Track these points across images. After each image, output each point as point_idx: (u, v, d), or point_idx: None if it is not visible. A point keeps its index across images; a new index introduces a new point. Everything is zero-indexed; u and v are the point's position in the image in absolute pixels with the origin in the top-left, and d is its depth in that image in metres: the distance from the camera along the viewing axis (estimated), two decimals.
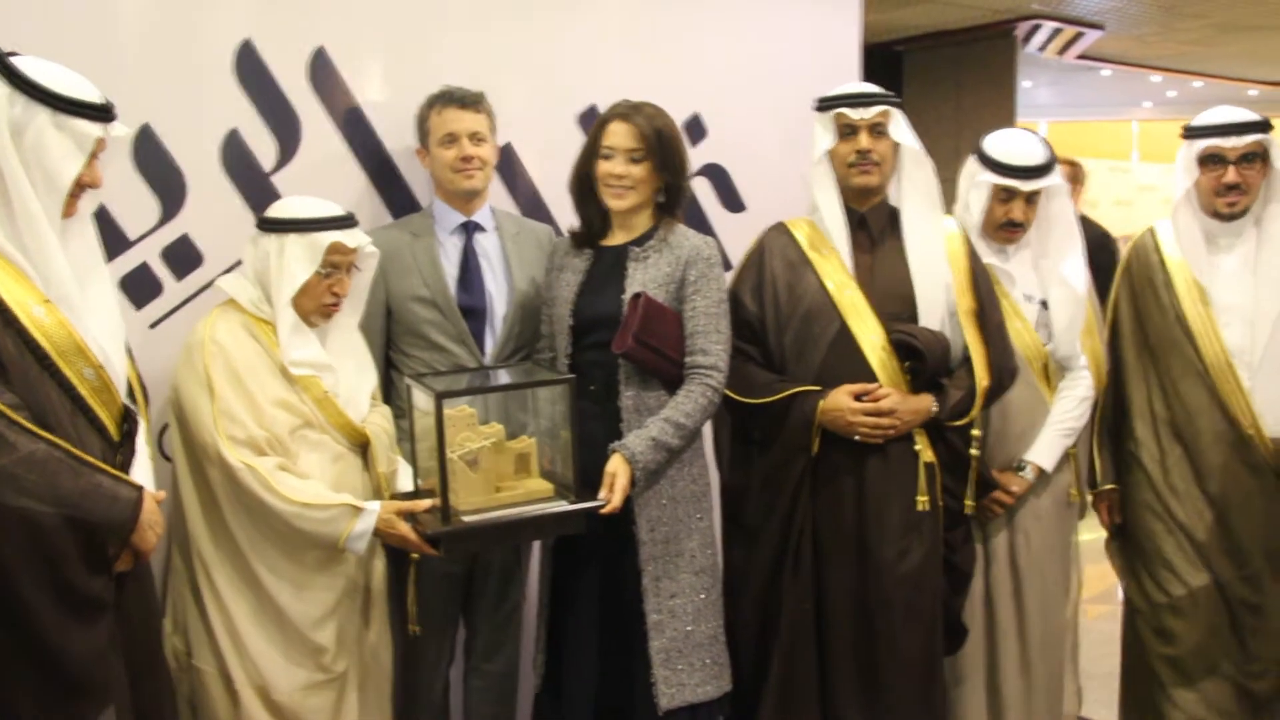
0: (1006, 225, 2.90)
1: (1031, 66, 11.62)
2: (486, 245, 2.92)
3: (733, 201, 3.63)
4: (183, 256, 2.74)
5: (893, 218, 2.82)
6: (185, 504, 2.43)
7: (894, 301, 2.73)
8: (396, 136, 2.99)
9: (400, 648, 2.73)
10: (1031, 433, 2.94)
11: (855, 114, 2.72)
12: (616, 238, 2.70)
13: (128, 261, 2.68)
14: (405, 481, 2.66)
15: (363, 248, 2.53)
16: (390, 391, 2.84)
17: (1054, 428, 2.94)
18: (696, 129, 3.52)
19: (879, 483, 2.69)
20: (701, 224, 3.51)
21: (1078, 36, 8.71)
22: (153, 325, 2.72)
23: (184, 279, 2.75)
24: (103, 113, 2.09)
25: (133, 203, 2.67)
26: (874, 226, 2.80)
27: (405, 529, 2.43)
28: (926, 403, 2.70)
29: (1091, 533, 3.24)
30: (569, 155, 2.97)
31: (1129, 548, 3.13)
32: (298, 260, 2.42)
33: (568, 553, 2.72)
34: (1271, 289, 2.90)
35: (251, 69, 2.80)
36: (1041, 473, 2.93)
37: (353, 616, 2.53)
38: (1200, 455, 2.96)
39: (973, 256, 2.82)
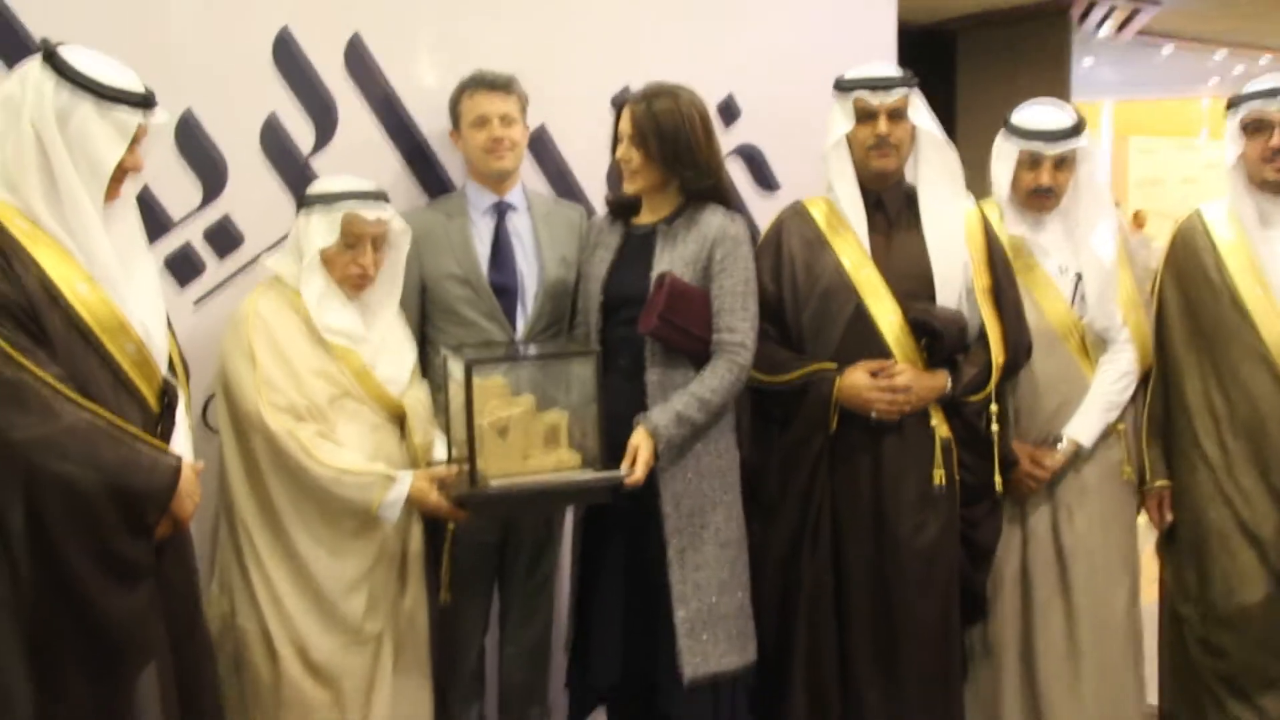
0: (1036, 192, 2.87)
1: (1092, 45, 11.49)
2: (518, 225, 2.99)
3: (767, 182, 3.66)
4: (224, 237, 2.84)
5: (909, 198, 2.84)
6: (230, 472, 2.54)
7: (910, 280, 2.75)
8: (430, 120, 3.07)
9: (436, 616, 2.81)
10: (1067, 407, 2.90)
11: (875, 98, 2.74)
12: (646, 216, 2.76)
13: (171, 242, 2.78)
14: (441, 454, 2.74)
15: (390, 224, 2.61)
16: (426, 367, 2.92)
17: (1094, 402, 2.89)
18: (730, 110, 3.55)
19: (895, 459, 2.73)
20: (738, 207, 3.53)
21: (1134, 13, 8.62)
22: (196, 303, 2.82)
23: (225, 259, 2.84)
24: (143, 101, 2.18)
25: (176, 186, 2.77)
26: (890, 207, 2.83)
27: (436, 497, 2.52)
28: (941, 379, 2.73)
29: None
30: (602, 137, 3.03)
31: (1179, 551, 2.98)
32: (317, 230, 2.54)
33: (596, 526, 2.78)
34: None
35: (289, 56, 2.89)
36: (1080, 449, 2.88)
37: (389, 582, 2.62)
38: (1266, 446, 2.80)
39: (990, 235, 2.84)
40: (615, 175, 2.84)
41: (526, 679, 3.15)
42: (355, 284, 2.59)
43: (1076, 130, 2.84)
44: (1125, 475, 2.94)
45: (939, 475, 2.72)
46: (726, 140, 3.55)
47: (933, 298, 2.76)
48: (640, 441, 2.56)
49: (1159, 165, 16.37)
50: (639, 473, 2.53)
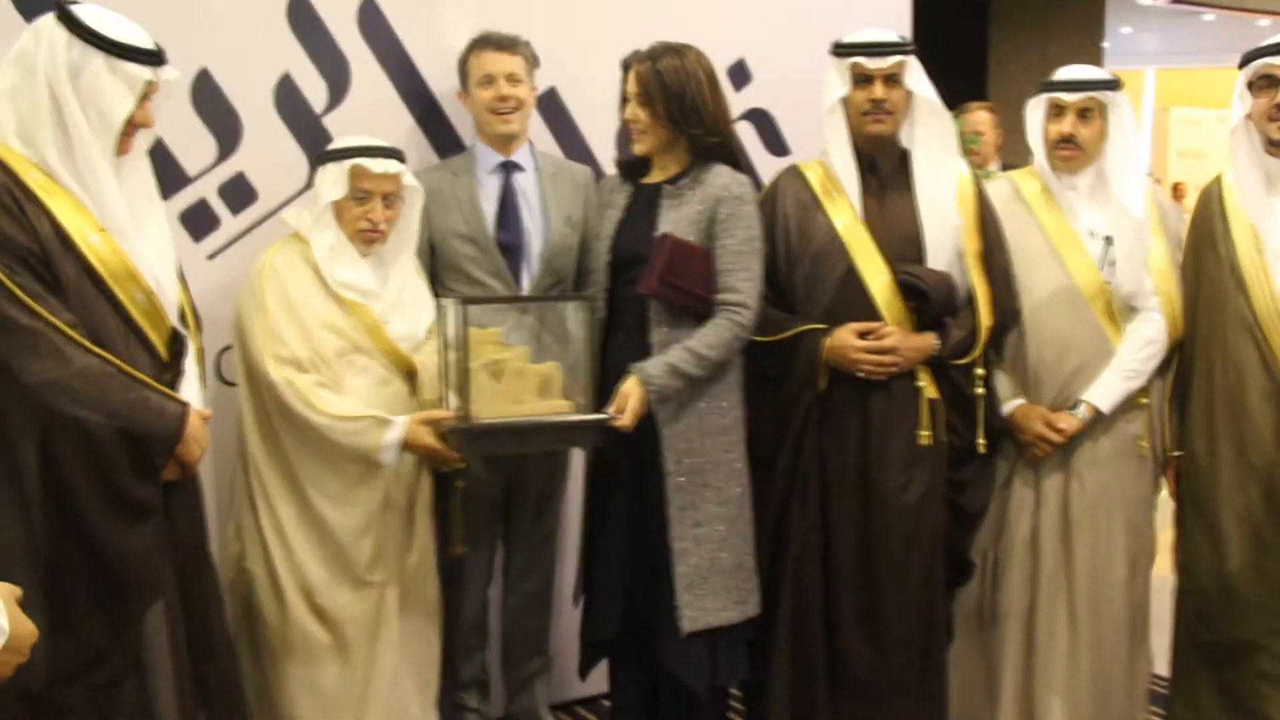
0: (1061, 144, 2.87)
1: (1131, 12, 11.33)
2: (524, 184, 3.04)
3: (777, 145, 3.69)
4: (239, 192, 2.92)
5: (903, 161, 2.87)
6: (245, 420, 2.62)
7: (901, 243, 2.79)
8: (443, 80, 3.12)
9: (444, 568, 2.89)
10: (1087, 371, 2.88)
11: (871, 63, 2.76)
12: (655, 175, 2.78)
13: (187, 197, 2.86)
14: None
15: (401, 179, 2.66)
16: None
17: (1115, 369, 2.87)
18: (740, 74, 3.58)
19: (882, 417, 2.77)
20: (746, 168, 3.57)
21: None
22: (210, 257, 2.90)
23: (240, 214, 2.92)
24: (153, 57, 2.25)
25: (192, 142, 2.85)
26: (884, 170, 2.86)
27: (431, 439, 2.58)
28: (929, 341, 2.77)
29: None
30: (613, 99, 3.06)
31: (1180, 520, 2.96)
32: (328, 184, 2.61)
33: (602, 481, 2.84)
34: None
35: (303, 15, 2.95)
36: (1099, 414, 2.86)
37: (393, 533, 2.69)
38: (1245, 418, 2.75)
39: (983, 200, 2.87)
40: (625, 137, 2.87)
41: (528, 630, 3.23)
42: (366, 238, 2.64)
43: (1103, 83, 2.86)
44: (1141, 450, 2.93)
45: (925, 435, 2.76)
46: (737, 104, 3.58)
47: (922, 260, 2.79)
48: (631, 389, 2.59)
49: (1201, 136, 16.06)
50: (625, 418, 2.57)
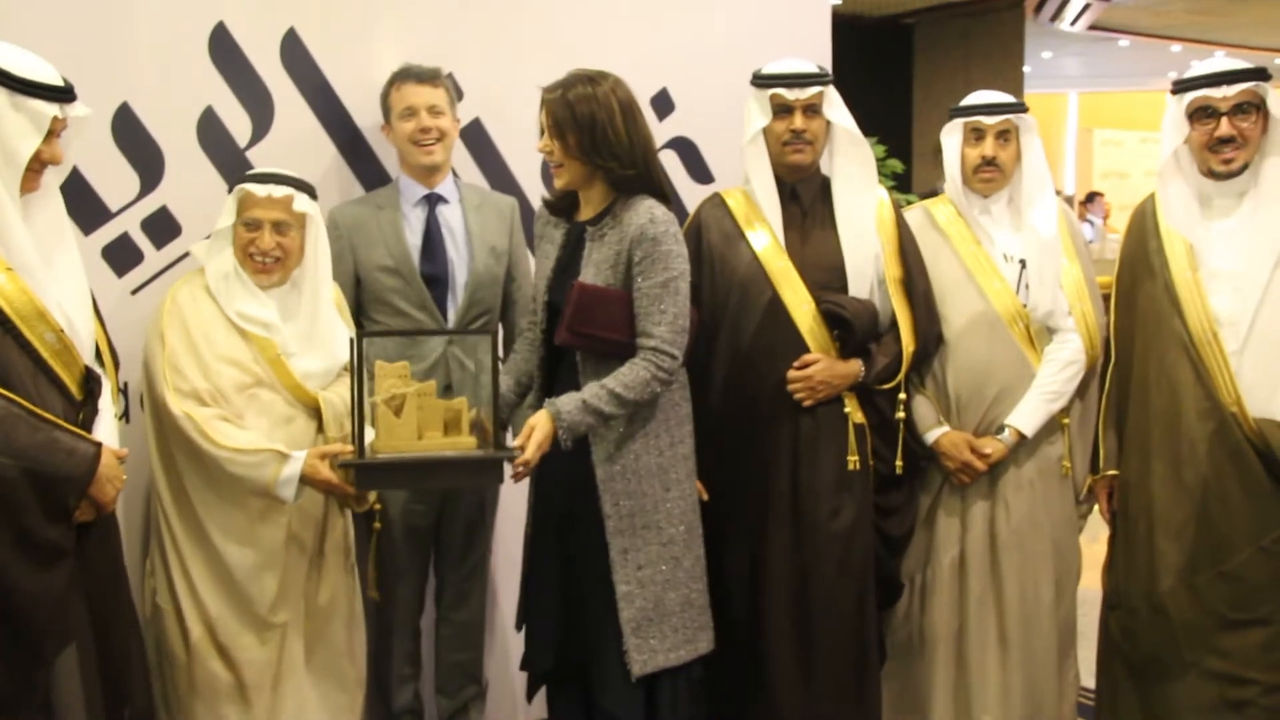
0: (982, 167, 2.93)
1: (1051, 37, 11.61)
2: (449, 216, 3.06)
3: (701, 173, 3.73)
4: (162, 227, 2.90)
5: (824, 189, 2.92)
6: (151, 455, 2.59)
7: (823, 271, 2.84)
8: (366, 112, 3.13)
9: (370, 605, 2.88)
10: (1010, 395, 2.92)
11: (791, 94, 2.81)
12: (583, 213, 2.71)
13: (109, 232, 2.84)
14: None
15: (291, 204, 2.59)
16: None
17: (1037, 392, 2.90)
18: (664, 103, 3.62)
19: (810, 443, 2.81)
20: (672, 196, 3.61)
21: (1087, 7, 8.74)
22: (134, 292, 2.88)
23: (163, 248, 2.90)
24: (61, 93, 2.21)
25: (113, 176, 2.83)
26: (805, 199, 2.90)
27: (329, 474, 2.53)
28: (854, 368, 2.82)
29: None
30: (536, 130, 3.10)
31: (1113, 538, 2.97)
32: (224, 213, 2.60)
33: (540, 516, 2.77)
34: (1263, 253, 2.69)
35: (225, 48, 2.95)
36: (1022, 438, 2.90)
37: (299, 571, 2.64)
38: (1179, 438, 2.75)
39: (902, 226, 2.93)
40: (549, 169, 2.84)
41: (461, 659, 3.22)
42: (256, 267, 2.60)
43: (1018, 105, 2.93)
44: (1064, 470, 2.97)
45: (853, 460, 2.81)
46: (661, 133, 3.62)
47: (845, 288, 2.84)
48: (538, 421, 2.49)
49: (1124, 157, 16.44)
50: (529, 451, 2.47)
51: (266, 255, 2.60)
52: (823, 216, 2.90)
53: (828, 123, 2.86)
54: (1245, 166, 2.72)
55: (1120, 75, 14.64)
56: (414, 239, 3.01)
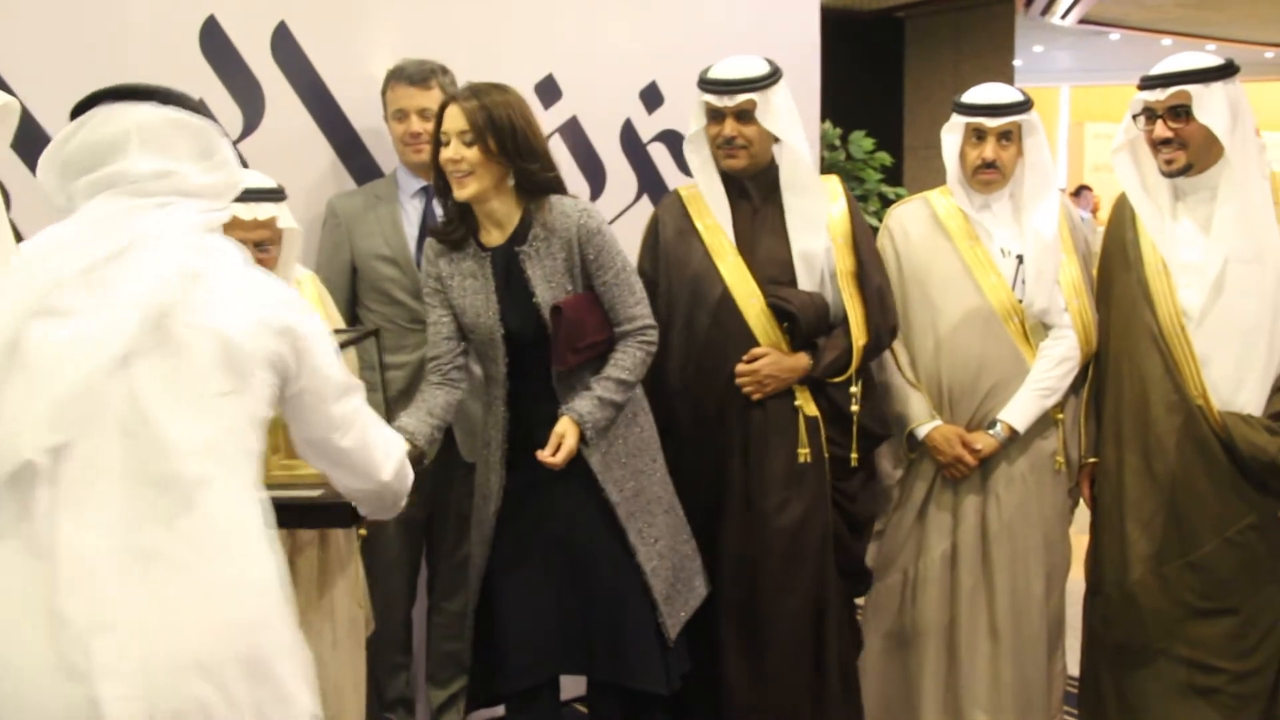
0: (982, 168, 2.90)
1: (1042, 31, 11.65)
2: None
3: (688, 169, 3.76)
4: None
5: (776, 183, 2.88)
6: None
7: (773, 266, 2.83)
8: (356, 106, 3.15)
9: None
10: (1003, 389, 2.93)
11: (719, 101, 2.78)
12: (494, 236, 2.62)
13: None
14: None
15: (275, 224, 2.49)
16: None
17: (1030, 387, 2.91)
18: (654, 96, 3.65)
19: (760, 436, 2.82)
20: (660, 187, 3.64)
21: (1077, 1, 8.77)
22: None
23: None
24: None
25: None
26: (755, 194, 2.89)
27: None
28: (802, 361, 2.82)
29: None
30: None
31: (1093, 527, 3.01)
32: None
33: (519, 528, 2.69)
34: (1219, 244, 2.73)
35: (216, 41, 2.97)
36: (1014, 434, 2.91)
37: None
38: (1150, 429, 2.80)
39: (855, 218, 2.91)
40: (440, 187, 2.62)
41: (453, 648, 3.24)
42: None
43: (1021, 106, 2.88)
44: (1058, 465, 2.98)
45: (803, 453, 2.81)
46: (650, 126, 3.67)
47: (794, 282, 2.84)
48: (565, 429, 2.55)
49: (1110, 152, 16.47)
50: (559, 458, 2.53)
51: None
52: (773, 210, 2.88)
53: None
54: (1187, 166, 2.74)
55: (1111, 69, 14.68)
56: (411, 229, 3.04)
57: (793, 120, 2.81)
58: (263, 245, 2.51)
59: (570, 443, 2.55)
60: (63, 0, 2.76)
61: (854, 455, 2.88)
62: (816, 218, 2.84)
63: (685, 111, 3.65)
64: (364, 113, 3.16)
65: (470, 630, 2.77)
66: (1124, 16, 10.12)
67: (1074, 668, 3.16)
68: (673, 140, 3.71)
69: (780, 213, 2.87)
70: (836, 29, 4.05)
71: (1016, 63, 9.83)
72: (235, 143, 2.98)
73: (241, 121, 3.02)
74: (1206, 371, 2.73)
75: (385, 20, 3.20)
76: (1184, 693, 2.80)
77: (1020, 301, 2.92)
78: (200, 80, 2.95)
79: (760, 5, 3.85)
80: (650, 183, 3.67)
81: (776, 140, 2.85)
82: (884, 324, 2.87)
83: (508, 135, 2.51)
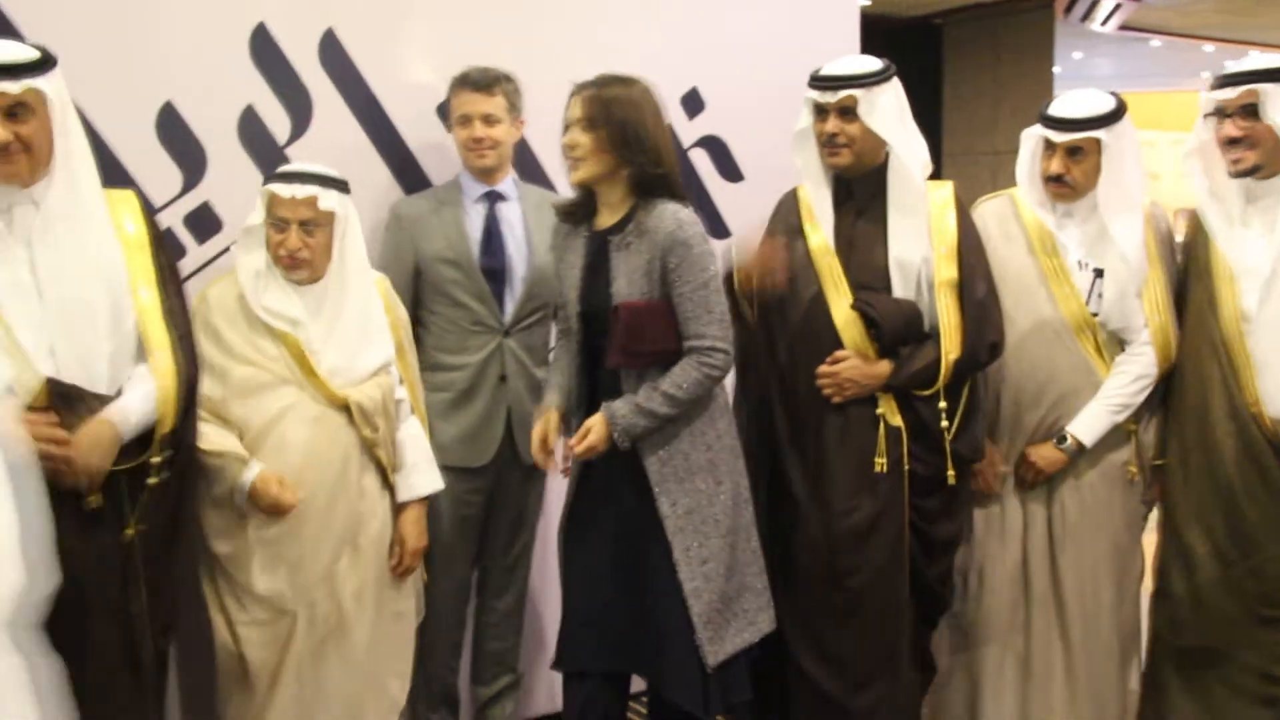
0: (1050, 181, 2.85)
1: (1081, 38, 11.58)
2: (508, 213, 3.13)
3: (731, 172, 3.78)
4: (204, 222, 2.98)
5: (882, 187, 2.84)
6: None
7: (867, 271, 2.80)
8: (403, 110, 3.21)
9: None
10: (1071, 400, 2.88)
11: (821, 97, 2.77)
12: (603, 219, 2.71)
13: None
14: (412, 449, 2.81)
15: (317, 204, 2.56)
16: (419, 350, 3.05)
17: (1101, 402, 2.86)
18: (694, 102, 3.67)
19: (838, 440, 2.80)
20: (701, 195, 3.66)
21: (1118, 7, 8.72)
22: None
23: (205, 243, 2.98)
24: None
25: (158, 173, 2.91)
26: (860, 196, 2.85)
27: (277, 490, 2.52)
28: (884, 369, 2.77)
29: None
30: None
31: (1162, 528, 2.98)
32: (255, 210, 2.62)
33: (584, 525, 2.77)
34: (1276, 247, 2.69)
35: (266, 49, 3.03)
36: (1082, 448, 2.87)
37: (318, 564, 2.61)
38: (1210, 434, 2.78)
39: (964, 229, 2.82)
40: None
41: (500, 647, 3.29)
42: (286, 265, 2.59)
43: (1094, 122, 2.79)
44: (1130, 475, 2.94)
45: (880, 463, 2.77)
46: (691, 131, 3.69)
47: (889, 289, 2.80)
48: (595, 422, 2.59)
49: (1157, 158, 16.35)
50: (580, 447, 2.58)
51: (293, 255, 2.58)
52: (876, 215, 2.83)
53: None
54: (1257, 167, 2.71)
55: (1152, 75, 14.57)
56: (474, 234, 3.09)
57: (900, 122, 2.78)
58: (307, 227, 2.57)
59: (593, 438, 2.58)
60: (117, 10, 2.83)
61: (950, 473, 2.80)
62: (917, 225, 2.78)
63: (725, 117, 3.72)
64: (409, 118, 3.21)
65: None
66: (1164, 23, 10.05)
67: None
68: (713, 146, 3.74)
69: (883, 217, 2.82)
70: (874, 35, 4.05)
71: (1056, 69, 9.78)
72: (283, 147, 3.05)
73: (290, 126, 3.07)
74: (1262, 378, 2.70)
75: (430, 26, 3.25)
76: (1252, 700, 2.77)
77: (1095, 316, 2.87)
78: (250, 86, 3.02)
79: (800, 11, 3.86)
80: (690, 189, 3.67)
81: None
82: (980, 340, 2.77)
83: (618, 127, 2.58)
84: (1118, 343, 2.90)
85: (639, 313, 2.59)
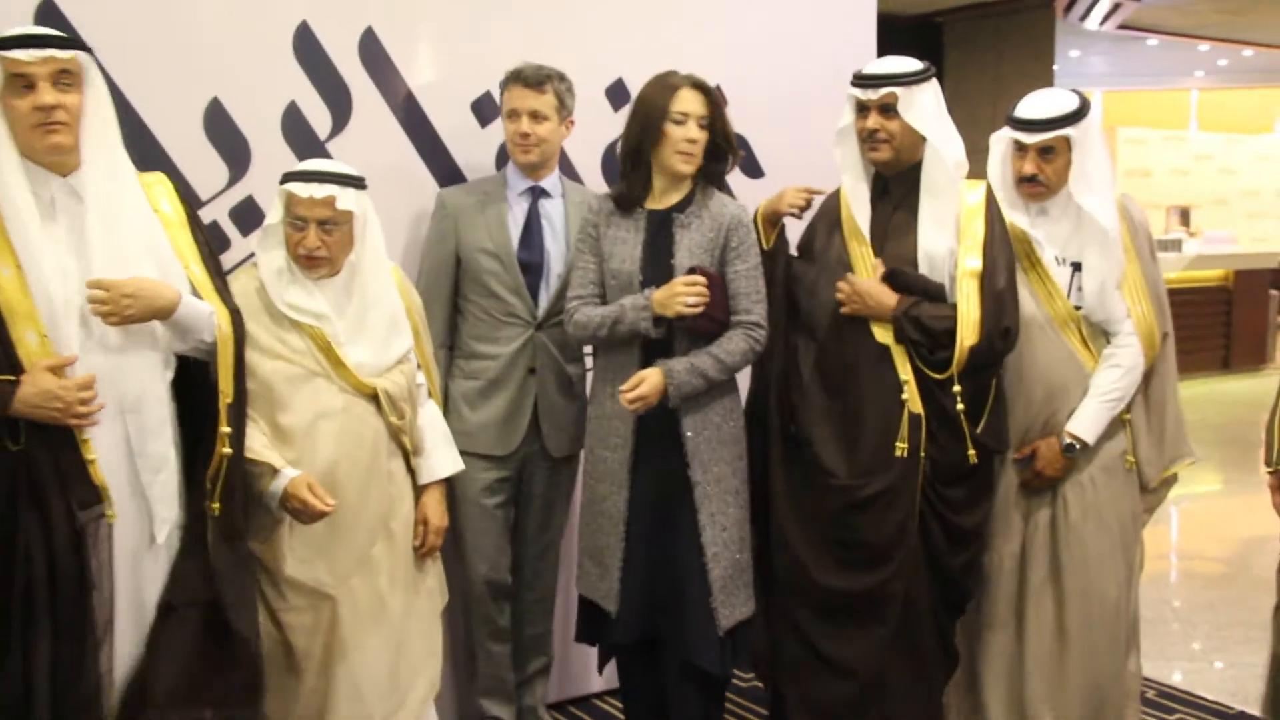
0: (1022, 181, 2.91)
1: (1079, 36, 11.67)
2: (550, 209, 3.21)
3: (753, 169, 3.86)
4: (249, 215, 3.05)
5: (917, 183, 2.89)
6: None
7: (899, 261, 2.88)
8: (440, 106, 3.29)
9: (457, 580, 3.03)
10: (1063, 395, 2.93)
11: (863, 94, 2.86)
12: (660, 201, 2.91)
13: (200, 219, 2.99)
14: (431, 433, 2.86)
15: (335, 203, 2.56)
16: (455, 336, 3.20)
17: (1095, 399, 2.91)
18: None
19: (858, 418, 2.87)
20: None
21: (1117, 6, 8.80)
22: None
23: (249, 235, 3.04)
24: (32, 40, 2.22)
25: (205, 167, 2.99)
26: (896, 192, 2.94)
27: (305, 493, 2.52)
28: (893, 299, 2.83)
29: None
30: (599, 126, 3.24)
31: None
32: (273, 208, 2.64)
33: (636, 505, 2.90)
34: None
35: (308, 47, 3.11)
36: (1085, 445, 2.92)
37: (352, 548, 2.66)
38: None
39: (994, 222, 2.86)
40: (636, 161, 2.90)
41: (533, 632, 3.37)
42: (305, 264, 2.60)
43: (1062, 120, 2.85)
44: (1128, 465, 2.99)
45: (901, 447, 2.81)
46: None
47: None
48: (650, 374, 2.77)
49: (1148, 156, 16.45)
50: (631, 394, 2.74)
51: (312, 254, 2.59)
52: (910, 210, 2.90)
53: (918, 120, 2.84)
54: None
55: (1147, 74, 14.67)
56: (515, 228, 3.17)
57: (938, 119, 2.86)
58: (325, 226, 2.59)
59: (645, 388, 2.75)
60: (167, 10, 2.92)
61: (971, 453, 2.84)
62: (945, 219, 2.84)
63: (747, 114, 3.78)
64: (445, 113, 3.29)
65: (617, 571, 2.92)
66: (1163, 22, 10.14)
67: (1149, 669, 3.17)
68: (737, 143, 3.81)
69: (916, 212, 2.89)
70: (877, 33, 4.13)
71: (1054, 67, 9.87)
72: (324, 142, 3.13)
73: (330, 121, 3.15)
74: None
75: (464, 24, 3.33)
76: None
77: (1078, 309, 2.94)
78: (293, 83, 3.10)
79: (819, 9, 3.94)
80: None
81: (925, 140, 2.86)
82: (996, 327, 2.79)
83: (722, 125, 2.89)
84: (1102, 335, 2.96)
85: (711, 278, 2.80)
